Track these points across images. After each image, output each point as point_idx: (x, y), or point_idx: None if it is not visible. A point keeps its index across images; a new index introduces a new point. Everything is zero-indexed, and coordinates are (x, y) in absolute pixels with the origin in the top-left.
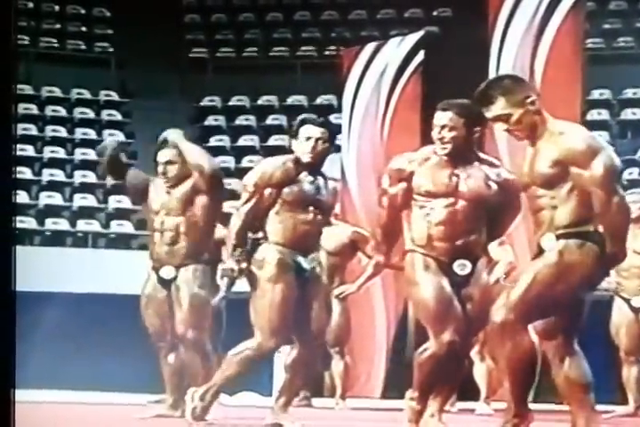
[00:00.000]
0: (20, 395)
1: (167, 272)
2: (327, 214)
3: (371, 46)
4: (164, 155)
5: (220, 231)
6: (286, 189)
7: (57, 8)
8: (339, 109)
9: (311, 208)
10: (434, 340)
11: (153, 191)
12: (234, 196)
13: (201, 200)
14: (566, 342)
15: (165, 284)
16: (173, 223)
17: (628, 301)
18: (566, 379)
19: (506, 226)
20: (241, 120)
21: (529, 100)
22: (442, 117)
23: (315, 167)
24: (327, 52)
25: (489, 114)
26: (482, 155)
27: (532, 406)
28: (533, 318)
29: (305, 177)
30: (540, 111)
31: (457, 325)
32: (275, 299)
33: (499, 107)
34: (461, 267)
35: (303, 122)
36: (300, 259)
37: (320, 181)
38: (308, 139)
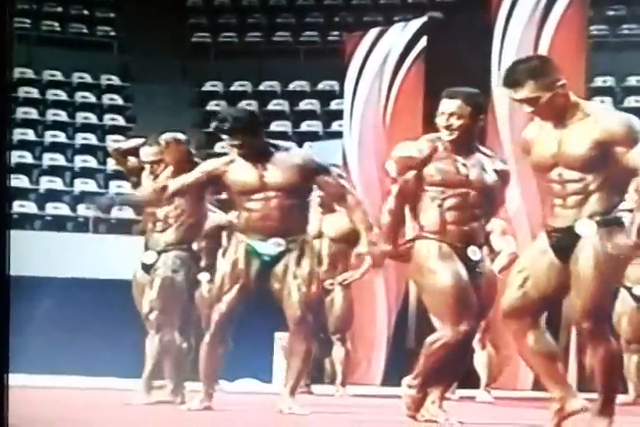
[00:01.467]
0: (14, 380)
1: (148, 257)
2: (283, 196)
3: (374, 32)
4: (147, 154)
5: (218, 217)
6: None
7: None
8: (341, 95)
9: (259, 195)
10: (450, 329)
11: (143, 181)
12: None
13: None
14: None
15: (146, 269)
16: (163, 213)
17: (630, 289)
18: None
19: (492, 215)
20: (243, 105)
21: (559, 84)
22: (450, 105)
23: (250, 153)
24: (330, 38)
25: (516, 96)
26: (479, 145)
27: None
28: (607, 315)
29: (242, 165)
30: (567, 94)
31: (474, 313)
32: (220, 280)
33: (527, 90)
34: (473, 252)
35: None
36: (256, 244)
37: (260, 164)
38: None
